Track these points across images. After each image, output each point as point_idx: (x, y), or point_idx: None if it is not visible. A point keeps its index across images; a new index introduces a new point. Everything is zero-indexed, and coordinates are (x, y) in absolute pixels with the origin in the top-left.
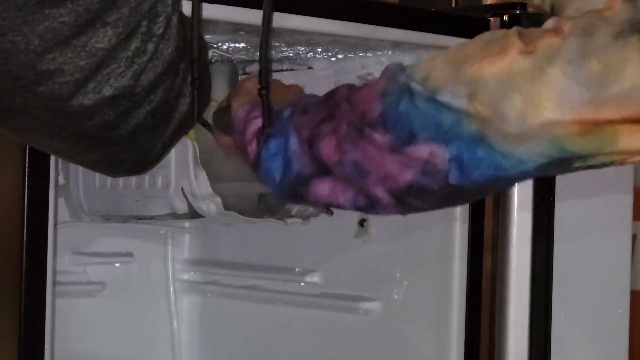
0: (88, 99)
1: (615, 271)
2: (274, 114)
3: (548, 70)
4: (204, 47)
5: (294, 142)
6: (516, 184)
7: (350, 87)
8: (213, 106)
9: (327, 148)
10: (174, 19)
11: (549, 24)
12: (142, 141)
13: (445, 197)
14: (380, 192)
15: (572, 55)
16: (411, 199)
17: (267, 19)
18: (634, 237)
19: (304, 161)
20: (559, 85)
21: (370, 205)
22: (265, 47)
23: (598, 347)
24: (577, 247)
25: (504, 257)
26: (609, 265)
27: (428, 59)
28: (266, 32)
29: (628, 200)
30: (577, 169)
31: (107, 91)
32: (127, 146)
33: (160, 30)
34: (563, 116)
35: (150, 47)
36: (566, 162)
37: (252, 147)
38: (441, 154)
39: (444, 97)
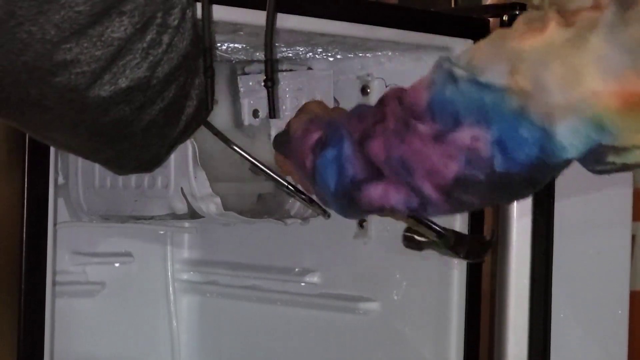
0: (104, 90)
1: (614, 271)
2: (278, 104)
3: (589, 38)
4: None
5: (347, 147)
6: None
7: (400, 88)
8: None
9: (376, 147)
10: (189, 13)
11: (587, 2)
12: (152, 139)
13: (494, 187)
14: (428, 189)
15: (613, 22)
16: (459, 192)
17: (271, 12)
18: (634, 237)
19: (357, 165)
20: (600, 51)
21: (422, 205)
22: (270, 39)
23: (598, 347)
24: (577, 247)
25: (504, 257)
26: (608, 266)
27: (474, 45)
28: (270, 24)
29: (628, 200)
30: (611, 167)
31: (123, 82)
32: (138, 144)
33: (176, 22)
34: (605, 84)
35: (166, 38)
36: (602, 154)
37: (309, 160)
38: (484, 137)
39: (487, 75)
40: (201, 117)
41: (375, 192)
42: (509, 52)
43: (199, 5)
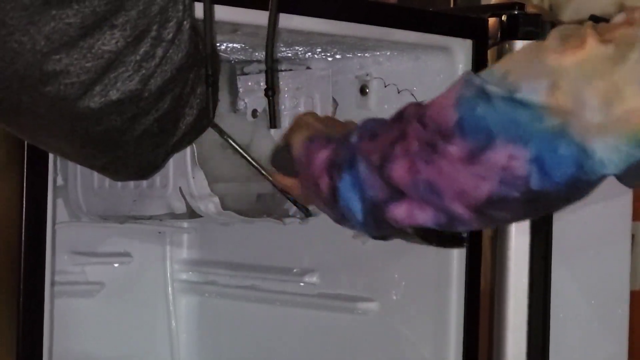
0: (94, 102)
1: (614, 271)
2: (278, 114)
3: (629, 55)
4: (216, 55)
5: (364, 169)
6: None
7: (418, 105)
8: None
9: (399, 170)
10: (186, 25)
11: (619, 18)
12: (147, 148)
13: (529, 205)
14: (459, 208)
15: None
16: (492, 210)
17: (272, 19)
18: (633, 237)
19: (375, 186)
20: None
21: (451, 222)
22: (270, 48)
23: (597, 347)
24: (576, 247)
25: (503, 257)
26: (608, 265)
27: (503, 59)
28: (271, 32)
29: (627, 200)
30: None
31: (114, 95)
32: (133, 152)
33: (170, 36)
34: None
35: (160, 52)
36: None
37: (325, 181)
38: (521, 156)
39: (524, 92)
40: (202, 126)
41: (400, 212)
42: (548, 69)
43: (199, 8)
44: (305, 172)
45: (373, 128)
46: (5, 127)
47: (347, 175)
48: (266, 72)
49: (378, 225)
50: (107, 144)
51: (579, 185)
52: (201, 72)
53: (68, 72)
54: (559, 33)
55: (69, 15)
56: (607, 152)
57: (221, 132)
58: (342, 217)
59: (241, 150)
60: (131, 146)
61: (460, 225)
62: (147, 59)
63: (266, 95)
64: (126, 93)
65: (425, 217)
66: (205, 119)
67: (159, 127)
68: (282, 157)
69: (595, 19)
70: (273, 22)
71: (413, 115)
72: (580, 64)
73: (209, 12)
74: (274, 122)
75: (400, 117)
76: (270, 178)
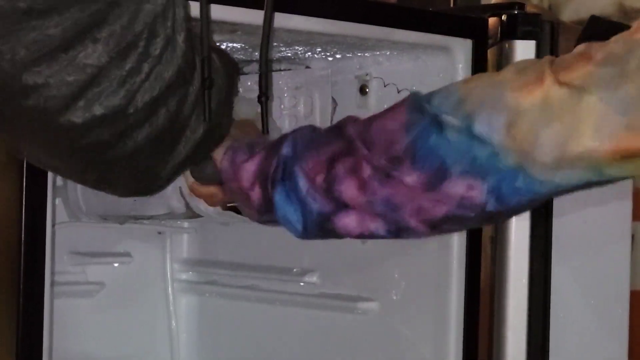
0: (77, 116)
1: (614, 271)
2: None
3: (584, 98)
4: (222, 53)
5: (304, 183)
6: None
7: (357, 121)
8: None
9: (350, 190)
10: (178, 39)
11: (579, 49)
12: (142, 165)
13: (481, 221)
14: (414, 223)
15: (607, 81)
16: (447, 226)
17: (267, 24)
18: (633, 237)
19: (320, 200)
20: (596, 112)
21: (403, 232)
22: (265, 53)
23: (597, 347)
24: (577, 246)
25: (502, 257)
26: (608, 265)
27: (457, 83)
28: (266, 37)
29: (627, 200)
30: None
31: (98, 110)
32: (125, 167)
33: (158, 52)
34: (602, 143)
35: (146, 67)
36: (602, 183)
37: (257, 193)
38: (478, 188)
39: (481, 126)
40: (213, 141)
41: (350, 222)
42: (506, 105)
43: (195, 6)
44: (232, 183)
45: (308, 141)
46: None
47: (282, 188)
48: (260, 76)
49: (323, 234)
50: (95, 158)
51: (534, 204)
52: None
53: (49, 85)
54: (516, 67)
55: (49, 26)
56: (565, 179)
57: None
58: (274, 224)
59: None
60: (123, 162)
61: (411, 235)
62: (133, 74)
63: (259, 100)
64: (110, 108)
65: (376, 226)
66: (218, 135)
67: (153, 144)
68: (205, 171)
69: (596, 20)
70: (268, 26)
71: (355, 135)
72: (538, 105)
73: (205, 15)
74: (266, 127)
75: (340, 133)
76: None
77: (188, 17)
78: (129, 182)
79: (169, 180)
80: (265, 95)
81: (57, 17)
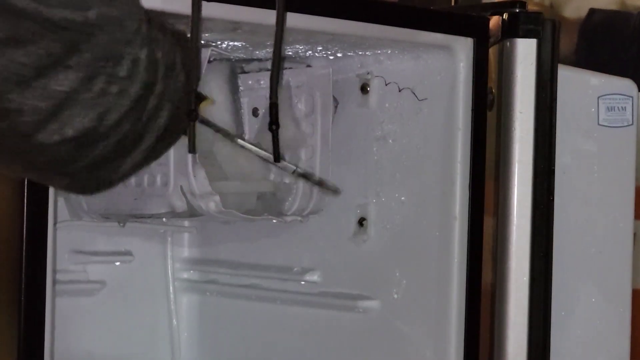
0: (49, 138)
1: (616, 270)
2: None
3: None
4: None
5: None
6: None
7: None
8: (208, 102)
9: None
10: (142, 56)
11: None
12: (103, 170)
13: None
14: None
15: None
16: None
17: (277, 54)
18: (635, 235)
19: None
20: None
21: None
22: (275, 83)
23: (599, 347)
24: (579, 246)
25: (504, 255)
26: (610, 264)
27: None
28: (276, 67)
29: (629, 198)
30: None
31: (69, 132)
32: (86, 175)
33: (125, 73)
34: None
35: (114, 88)
36: None
37: None
38: None
39: None
40: (164, 145)
41: None
42: None
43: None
44: None
45: None
46: None
47: None
48: (270, 106)
49: None
50: (54, 171)
51: None
52: (165, 90)
53: (21, 111)
54: None
55: (22, 54)
56: None
57: (217, 128)
58: None
59: (246, 143)
60: (84, 171)
61: None
62: (103, 95)
63: (270, 129)
64: (81, 130)
65: None
66: (175, 134)
67: (114, 151)
68: None
69: (595, 12)
70: (278, 56)
71: None
72: None
73: (195, 39)
74: (277, 155)
75: None
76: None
77: (159, 26)
78: (93, 182)
79: (131, 174)
80: (276, 124)
81: (32, 46)
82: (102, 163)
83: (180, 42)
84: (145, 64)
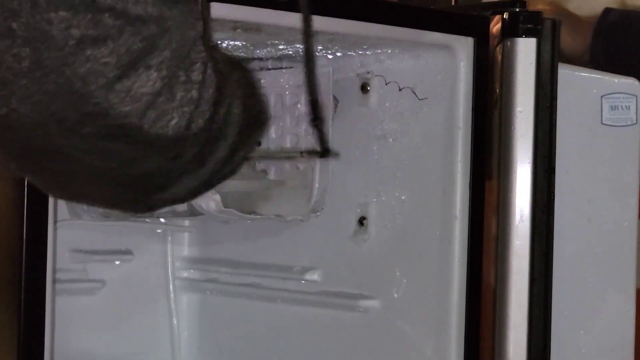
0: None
1: (621, 269)
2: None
3: None
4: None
5: None
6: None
7: None
8: None
9: None
10: (209, 63)
11: None
12: (181, 184)
13: None
14: None
15: None
16: None
17: (309, 48)
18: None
19: None
20: None
21: None
22: (312, 77)
23: (602, 346)
24: (583, 245)
25: (504, 254)
26: (614, 264)
27: None
28: (311, 61)
29: (633, 197)
30: None
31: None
32: (173, 187)
33: (200, 77)
34: None
35: (195, 94)
36: None
37: None
38: None
39: None
40: (231, 167)
41: None
42: None
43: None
44: None
45: None
46: (32, 178)
47: None
48: (312, 103)
49: None
50: (144, 188)
51: None
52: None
53: (107, 115)
54: None
55: (104, 54)
56: None
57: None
58: None
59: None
60: (172, 183)
61: None
62: (185, 103)
63: (314, 125)
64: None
65: None
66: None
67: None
68: None
69: (610, 11)
70: (310, 50)
71: None
72: None
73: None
74: (324, 151)
75: None
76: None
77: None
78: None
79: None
80: (319, 119)
81: (112, 43)
82: (184, 175)
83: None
84: (212, 66)
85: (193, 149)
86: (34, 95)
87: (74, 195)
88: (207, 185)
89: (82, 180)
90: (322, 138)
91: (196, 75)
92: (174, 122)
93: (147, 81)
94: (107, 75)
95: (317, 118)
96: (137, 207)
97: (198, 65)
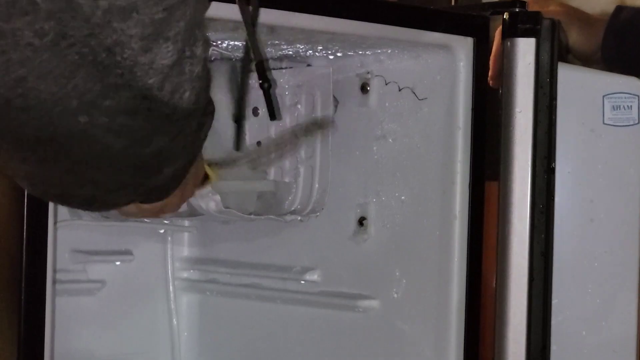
0: None
1: (623, 270)
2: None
3: None
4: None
5: None
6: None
7: None
8: None
9: None
10: (205, 39)
11: None
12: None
13: None
14: None
15: None
16: None
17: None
18: None
19: None
20: None
21: None
22: (254, 40)
23: (604, 348)
24: (585, 245)
25: (503, 255)
26: (617, 264)
27: None
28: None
29: (635, 198)
30: None
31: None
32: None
33: (202, 54)
34: None
35: (199, 69)
36: None
37: None
38: None
39: None
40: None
41: None
42: None
43: None
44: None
45: None
46: (32, 178)
47: None
48: (257, 65)
49: None
50: (155, 165)
51: None
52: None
53: (130, 87)
54: None
55: (130, 26)
56: None
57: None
58: None
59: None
60: (170, 161)
61: None
62: (194, 78)
63: (262, 87)
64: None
65: None
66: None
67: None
68: None
69: (622, 9)
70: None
71: None
72: None
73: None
74: (272, 113)
75: None
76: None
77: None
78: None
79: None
80: (268, 82)
81: (137, 15)
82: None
83: None
84: (206, 47)
85: (194, 124)
86: (55, 69)
87: (72, 192)
88: (190, 163)
89: (90, 165)
90: (269, 100)
91: (200, 52)
92: (186, 95)
93: (166, 52)
94: (133, 47)
95: (265, 80)
96: (136, 193)
97: (201, 42)
